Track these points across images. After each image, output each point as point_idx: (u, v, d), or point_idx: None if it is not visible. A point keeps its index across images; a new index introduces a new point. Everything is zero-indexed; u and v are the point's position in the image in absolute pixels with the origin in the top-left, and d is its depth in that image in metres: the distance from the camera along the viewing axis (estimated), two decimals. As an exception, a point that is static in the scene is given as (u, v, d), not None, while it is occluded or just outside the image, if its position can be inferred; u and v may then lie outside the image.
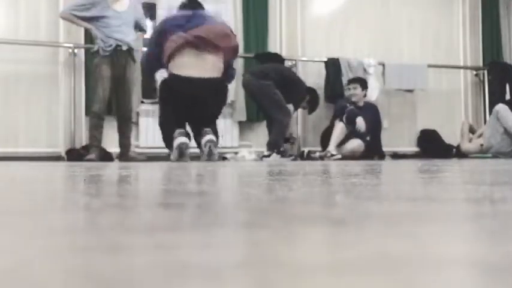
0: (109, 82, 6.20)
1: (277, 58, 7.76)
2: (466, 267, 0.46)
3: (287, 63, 7.94)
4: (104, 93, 6.20)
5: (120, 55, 6.23)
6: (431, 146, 8.36)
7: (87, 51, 7.13)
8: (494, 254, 0.52)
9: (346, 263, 0.48)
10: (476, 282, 0.42)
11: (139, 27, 6.60)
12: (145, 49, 6.52)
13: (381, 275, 0.43)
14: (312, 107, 7.44)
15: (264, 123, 7.41)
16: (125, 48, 6.24)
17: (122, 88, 6.29)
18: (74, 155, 6.68)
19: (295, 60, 8.05)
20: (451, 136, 8.43)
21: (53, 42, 7.09)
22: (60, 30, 7.07)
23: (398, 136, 8.44)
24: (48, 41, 7.08)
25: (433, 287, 0.40)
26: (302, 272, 0.45)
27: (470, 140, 7.99)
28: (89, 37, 6.92)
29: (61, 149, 7.01)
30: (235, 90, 7.80)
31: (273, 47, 8.08)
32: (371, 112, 7.37)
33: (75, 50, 7.04)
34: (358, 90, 7.38)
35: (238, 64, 7.92)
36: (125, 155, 6.32)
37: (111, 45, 6.19)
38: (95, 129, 6.25)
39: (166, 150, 7.42)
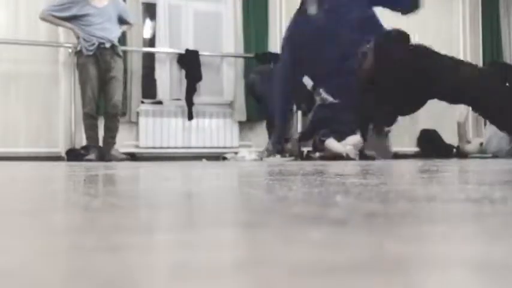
0: (96, 81, 6.15)
1: (277, 58, 7.76)
2: (466, 267, 0.46)
3: (287, 63, 7.94)
4: (94, 93, 6.16)
5: (104, 53, 6.17)
6: (431, 146, 8.36)
7: (87, 51, 7.14)
8: (494, 254, 0.52)
9: (346, 263, 0.48)
10: (476, 282, 0.42)
11: (124, 21, 6.49)
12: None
13: (381, 275, 0.43)
14: (307, 108, 7.44)
15: (264, 122, 7.41)
16: (108, 45, 6.19)
17: (108, 85, 6.22)
18: (74, 155, 6.68)
19: (295, 60, 8.05)
20: (451, 136, 8.43)
21: (53, 42, 7.09)
22: (60, 30, 7.07)
23: (398, 136, 8.44)
24: (48, 41, 7.08)
25: (433, 287, 0.40)
26: (302, 272, 0.45)
27: (468, 142, 8.01)
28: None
29: (61, 149, 7.01)
30: (235, 90, 7.81)
31: (273, 47, 8.08)
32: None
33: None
34: (324, 94, 7.21)
35: (239, 64, 7.93)
36: (107, 153, 6.22)
37: (93, 44, 6.13)
38: (90, 130, 6.23)
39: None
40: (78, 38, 6.22)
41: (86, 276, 0.44)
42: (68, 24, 6.27)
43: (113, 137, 6.31)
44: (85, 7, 6.19)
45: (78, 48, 6.20)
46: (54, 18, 6.26)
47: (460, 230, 0.71)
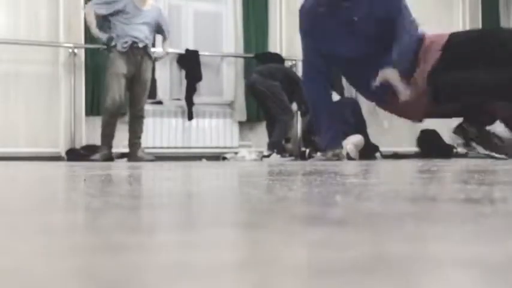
0: (124, 79, 6.18)
1: (277, 58, 7.76)
2: (466, 267, 0.46)
3: (287, 63, 7.94)
4: (120, 90, 6.17)
5: (136, 52, 6.23)
6: (431, 146, 8.36)
7: (87, 51, 7.13)
8: (494, 254, 0.52)
9: (346, 263, 0.48)
10: (476, 282, 0.42)
11: (161, 32, 6.58)
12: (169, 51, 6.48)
13: (381, 275, 0.43)
14: (306, 109, 7.44)
15: (264, 123, 7.40)
16: (141, 45, 6.26)
17: (136, 86, 6.28)
18: (74, 155, 6.68)
19: (295, 60, 8.05)
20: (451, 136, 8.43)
21: (53, 42, 7.09)
22: (60, 30, 7.07)
23: (398, 136, 8.43)
24: (48, 41, 7.08)
25: (433, 287, 0.40)
26: (302, 272, 0.45)
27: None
28: (89, 37, 6.91)
29: (61, 149, 7.01)
30: (235, 90, 7.81)
31: (273, 47, 8.08)
32: (349, 108, 7.16)
33: (75, 50, 7.04)
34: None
35: (239, 64, 7.93)
36: (134, 155, 6.29)
37: (127, 42, 6.19)
38: (106, 127, 6.20)
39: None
40: (108, 40, 6.24)
41: (86, 276, 0.44)
42: (96, 30, 6.27)
43: (138, 138, 6.37)
44: (129, 5, 6.26)
45: (113, 44, 6.22)
46: (92, 16, 6.28)
47: (460, 230, 0.71)
